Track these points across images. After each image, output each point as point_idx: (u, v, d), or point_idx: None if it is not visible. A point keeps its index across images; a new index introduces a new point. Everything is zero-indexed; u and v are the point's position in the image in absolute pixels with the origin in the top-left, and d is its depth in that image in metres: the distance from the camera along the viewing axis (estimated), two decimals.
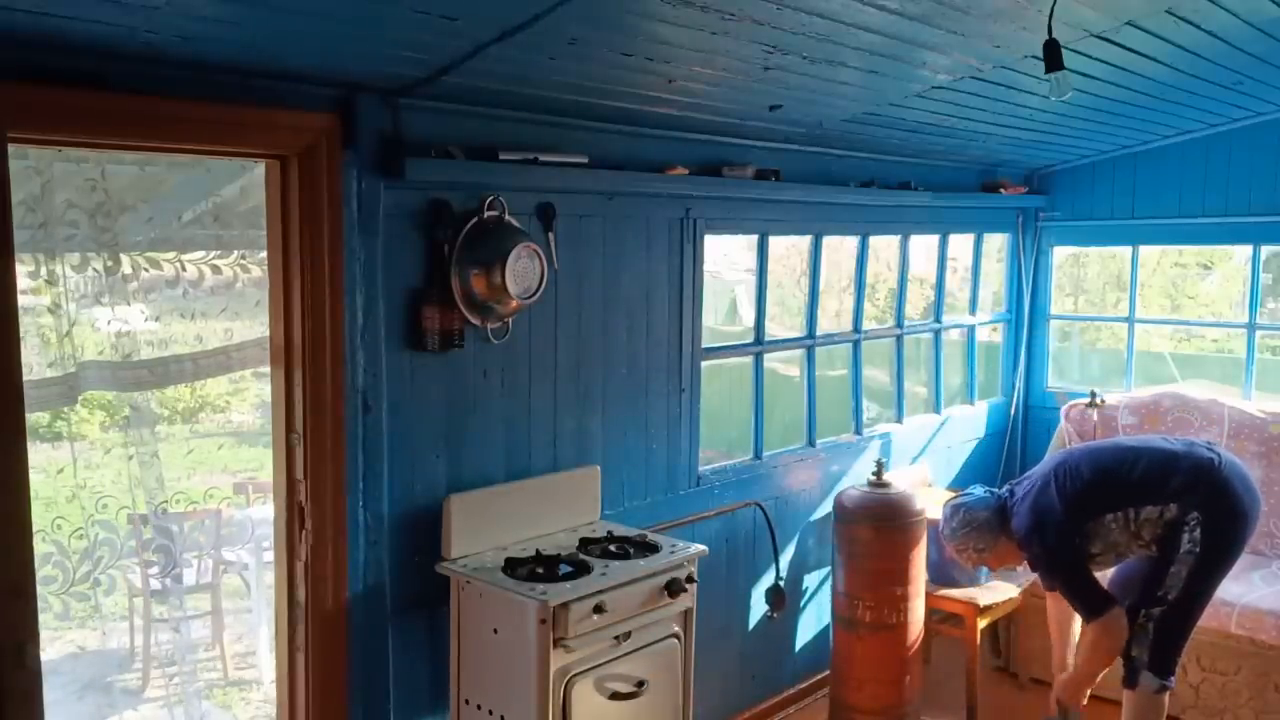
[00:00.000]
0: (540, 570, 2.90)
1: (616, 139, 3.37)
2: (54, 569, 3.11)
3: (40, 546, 2.22)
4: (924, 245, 5.06)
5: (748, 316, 4.23)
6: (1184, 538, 3.32)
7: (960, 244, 5.27)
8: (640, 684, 2.93)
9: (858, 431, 4.70)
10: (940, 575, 4.27)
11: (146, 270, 3.15)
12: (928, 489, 4.75)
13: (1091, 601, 3.35)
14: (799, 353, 4.47)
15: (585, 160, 3.22)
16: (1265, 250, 4.99)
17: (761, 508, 4.05)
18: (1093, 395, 4.99)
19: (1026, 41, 2.96)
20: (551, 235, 3.22)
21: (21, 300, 2.19)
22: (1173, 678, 3.43)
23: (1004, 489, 3.63)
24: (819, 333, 4.43)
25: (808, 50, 2.84)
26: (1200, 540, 3.31)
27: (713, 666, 3.92)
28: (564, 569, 2.91)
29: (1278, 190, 4.74)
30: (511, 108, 3.03)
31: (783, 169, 3.94)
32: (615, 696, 2.89)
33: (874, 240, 4.68)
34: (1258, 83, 4.05)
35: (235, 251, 3.28)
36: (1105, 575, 3.58)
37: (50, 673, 2.28)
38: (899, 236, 4.83)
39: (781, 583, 4.09)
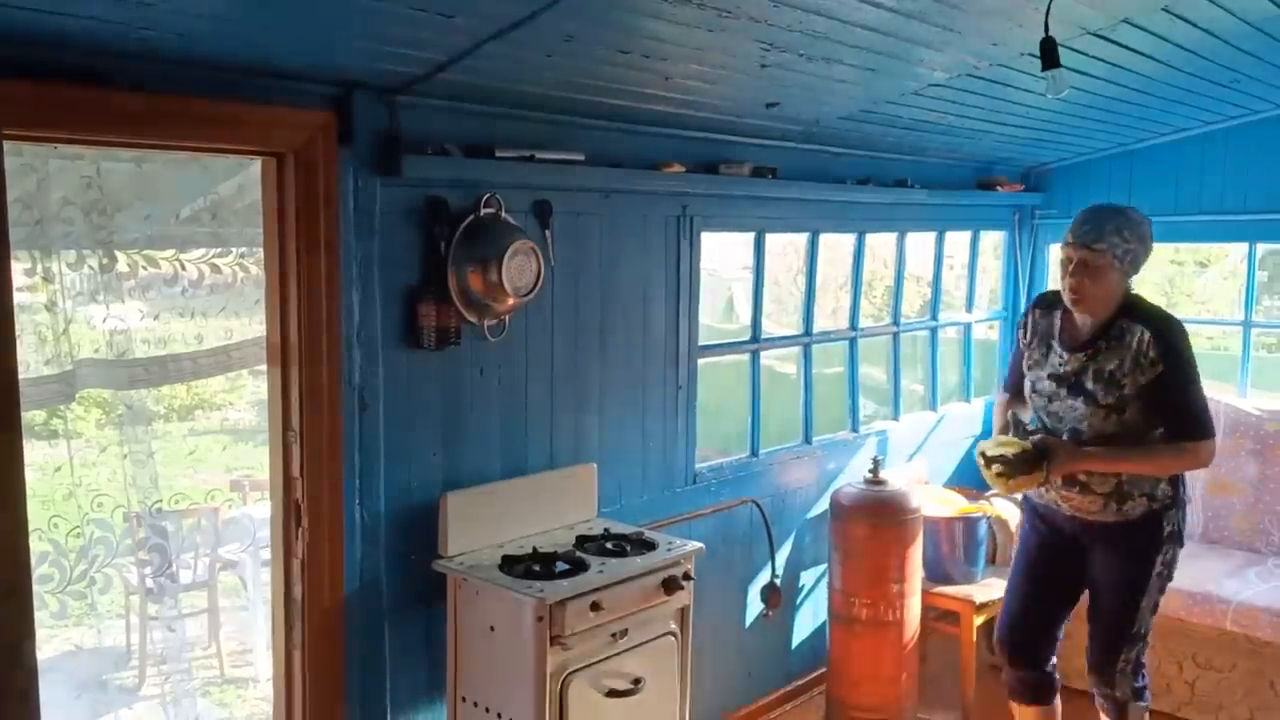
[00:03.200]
0: (537, 568, 2.90)
1: (613, 136, 3.37)
2: (50, 567, 3.10)
3: (36, 545, 2.21)
4: (921, 243, 5.06)
5: (744, 314, 4.23)
6: (1158, 560, 3.15)
7: (957, 241, 5.27)
8: (637, 681, 2.93)
9: (854, 429, 4.70)
10: (936, 573, 4.28)
11: (144, 268, 3.14)
12: (924, 486, 4.75)
13: (1209, 417, 3.00)
14: (796, 350, 4.47)
15: (582, 158, 3.22)
16: (1261, 248, 5.00)
17: (758, 505, 4.05)
18: None
19: (1023, 39, 2.96)
20: (548, 233, 3.22)
21: (17, 297, 2.18)
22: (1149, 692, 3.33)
23: None
24: (815, 330, 4.43)
25: (804, 48, 2.84)
26: (1171, 564, 3.20)
27: (709, 664, 3.92)
28: (561, 566, 2.91)
29: (1273, 188, 4.75)
30: (508, 105, 3.03)
31: (779, 166, 3.94)
32: (612, 694, 2.89)
33: (870, 238, 4.68)
34: (1254, 80, 4.06)
35: (233, 249, 3.27)
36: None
37: (46, 671, 2.28)
38: (895, 234, 4.83)
39: (778, 580, 4.09)
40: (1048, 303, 3.27)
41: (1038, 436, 3.12)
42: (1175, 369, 2.97)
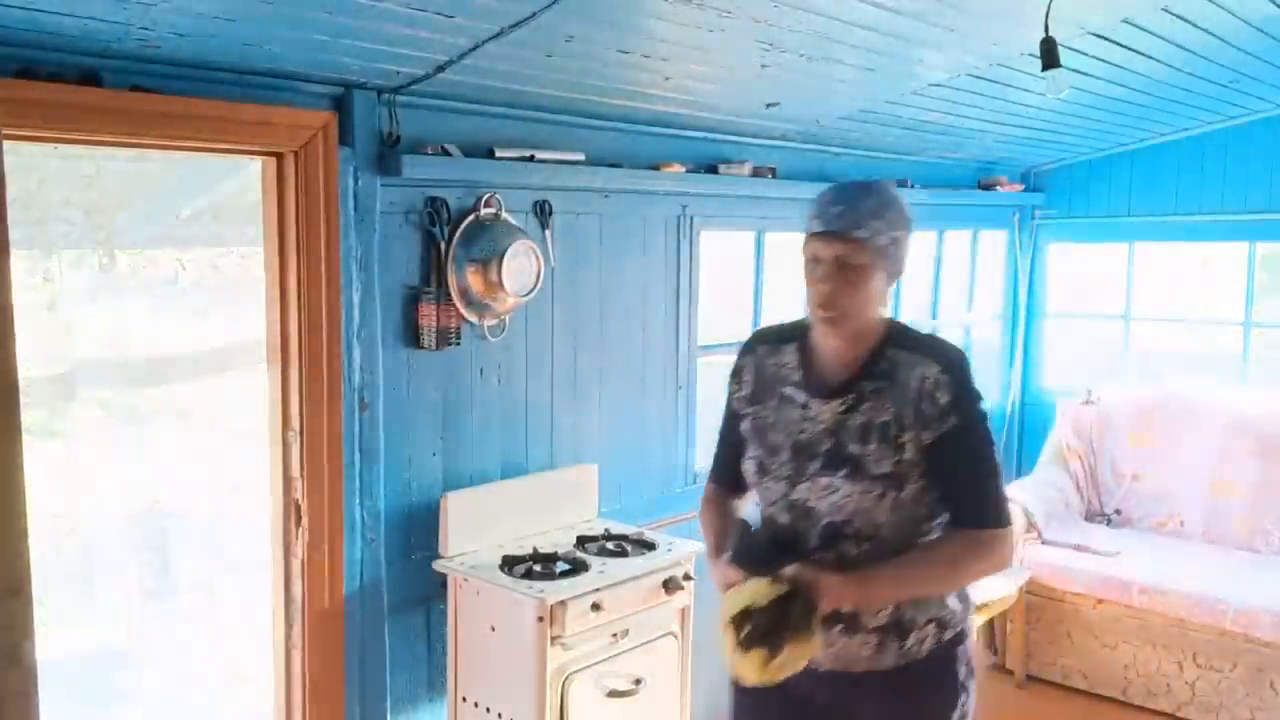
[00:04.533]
0: (537, 568, 2.90)
1: (613, 136, 3.37)
2: (50, 567, 3.10)
3: (36, 545, 2.21)
4: (921, 242, 5.06)
5: (744, 314, 4.23)
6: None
7: (957, 241, 5.27)
8: (638, 682, 2.93)
9: None
10: None
11: (145, 267, 3.14)
12: None
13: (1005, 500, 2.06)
14: None
15: (582, 158, 3.22)
16: (1261, 248, 5.00)
17: (759, 505, 4.04)
18: (1088, 394, 5.00)
19: (1023, 39, 2.96)
20: (548, 233, 3.22)
21: (17, 297, 2.18)
22: None
23: None
24: None
25: (804, 48, 2.84)
26: None
27: (710, 664, 3.91)
28: (561, 567, 2.91)
29: (1273, 188, 4.75)
30: (508, 105, 3.03)
31: (779, 166, 3.94)
32: (613, 694, 2.89)
33: None
34: (1254, 80, 4.06)
35: (233, 249, 3.27)
36: None
37: (46, 671, 2.28)
38: None
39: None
40: (775, 336, 2.22)
41: (788, 570, 1.92)
42: (972, 423, 1.99)
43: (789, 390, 2.12)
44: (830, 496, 2.02)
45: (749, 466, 2.17)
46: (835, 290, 2.01)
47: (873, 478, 1.98)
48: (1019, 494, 4.65)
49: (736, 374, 2.26)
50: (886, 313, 2.10)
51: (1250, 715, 3.97)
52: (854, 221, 2.01)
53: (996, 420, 5.57)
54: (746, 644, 1.87)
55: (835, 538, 2.02)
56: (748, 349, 2.27)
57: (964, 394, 1.99)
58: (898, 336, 2.07)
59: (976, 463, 2.01)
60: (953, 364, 2.01)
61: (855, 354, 2.06)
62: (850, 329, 2.04)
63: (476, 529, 3.04)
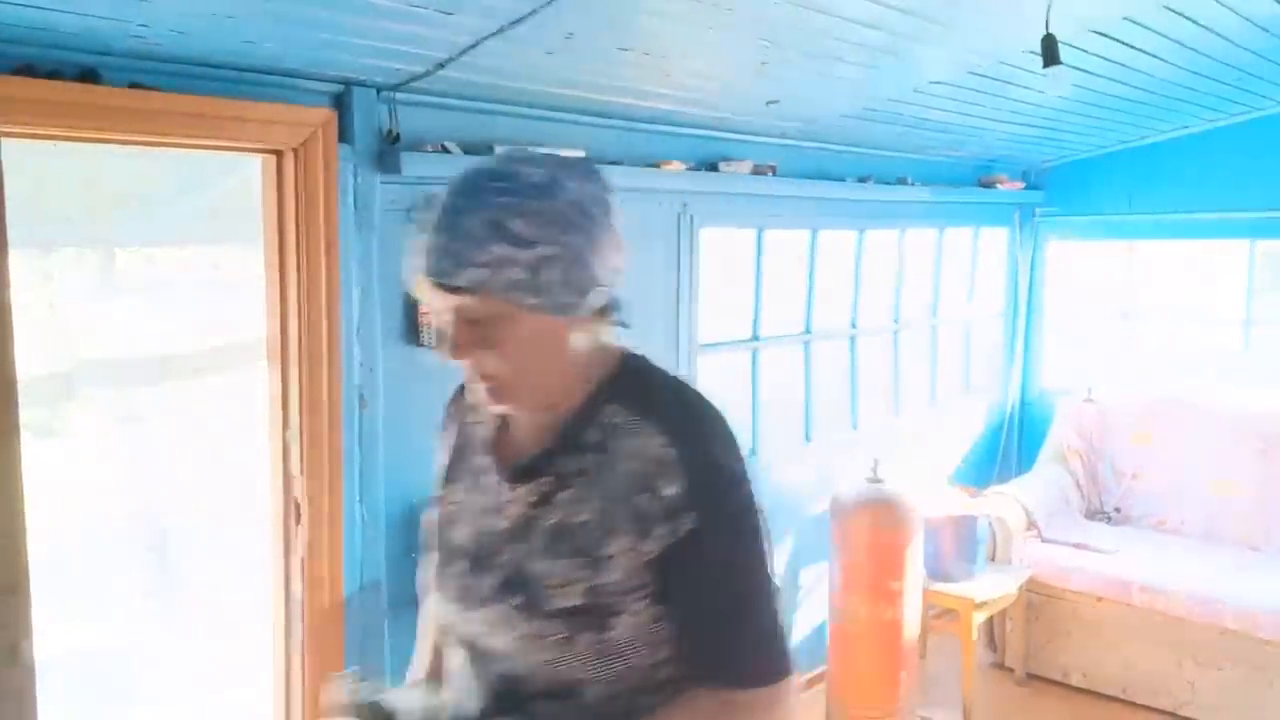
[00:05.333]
0: None
1: (613, 134, 3.36)
2: (49, 566, 3.10)
3: (35, 544, 2.21)
4: (921, 240, 5.06)
5: (743, 312, 4.22)
6: None
7: (957, 239, 5.27)
8: None
9: (854, 427, 4.70)
10: (936, 571, 4.27)
11: (144, 266, 3.14)
12: (924, 485, 4.75)
13: (784, 633, 1.37)
14: (797, 348, 4.47)
15: (582, 155, 3.21)
16: (1262, 245, 5.00)
17: None
18: (1088, 392, 5.00)
19: (1024, 36, 2.95)
20: None
21: (17, 296, 2.17)
22: None
23: None
24: (816, 328, 4.43)
25: (805, 45, 2.84)
26: None
27: None
28: None
29: (1274, 186, 4.75)
30: (508, 102, 3.02)
31: (780, 164, 3.94)
32: None
33: (870, 235, 4.68)
34: (1256, 78, 4.06)
35: (233, 246, 3.27)
36: None
37: (45, 670, 2.28)
38: (896, 231, 4.83)
39: (777, 579, 4.08)
40: None
41: None
42: (721, 526, 1.28)
43: (480, 461, 1.40)
44: (506, 634, 1.30)
45: (421, 577, 1.53)
46: (478, 360, 1.27)
47: (550, 614, 1.25)
48: (1019, 492, 4.65)
49: (441, 433, 1.53)
50: (608, 344, 1.34)
51: (1250, 714, 3.97)
52: (455, 259, 1.22)
53: (996, 418, 5.56)
54: None
55: (517, 696, 1.30)
56: (453, 397, 1.52)
57: (707, 479, 1.26)
58: (623, 384, 1.32)
59: (729, 587, 1.29)
60: (688, 431, 1.29)
61: (558, 413, 1.32)
62: (528, 400, 1.31)
63: None
